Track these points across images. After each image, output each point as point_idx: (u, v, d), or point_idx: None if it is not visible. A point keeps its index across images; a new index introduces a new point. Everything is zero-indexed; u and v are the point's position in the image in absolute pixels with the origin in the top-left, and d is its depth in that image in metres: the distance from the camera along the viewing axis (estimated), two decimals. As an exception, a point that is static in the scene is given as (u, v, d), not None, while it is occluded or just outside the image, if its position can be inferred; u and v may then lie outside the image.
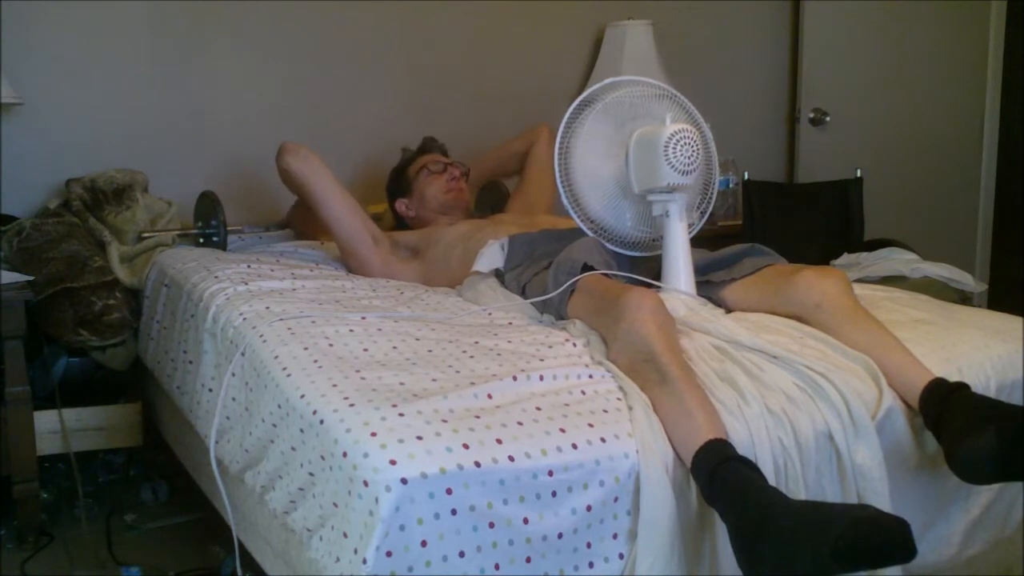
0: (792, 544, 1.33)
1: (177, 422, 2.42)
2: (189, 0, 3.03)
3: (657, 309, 1.70)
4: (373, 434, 1.40)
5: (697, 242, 2.15)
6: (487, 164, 3.11)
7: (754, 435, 1.58)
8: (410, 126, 3.36)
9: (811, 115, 4.04)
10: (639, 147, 2.07)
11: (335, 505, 1.43)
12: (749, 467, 1.47)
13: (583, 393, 1.60)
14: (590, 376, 1.66)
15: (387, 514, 1.32)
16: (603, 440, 1.48)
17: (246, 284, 2.19)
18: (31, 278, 2.42)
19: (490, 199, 3.22)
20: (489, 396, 1.55)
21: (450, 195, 2.77)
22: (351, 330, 1.85)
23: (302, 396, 1.58)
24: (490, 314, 2.04)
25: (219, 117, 3.13)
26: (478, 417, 1.47)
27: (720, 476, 1.44)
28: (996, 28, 4.34)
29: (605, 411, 1.56)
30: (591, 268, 1.96)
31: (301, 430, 1.56)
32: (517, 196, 2.97)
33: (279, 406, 1.65)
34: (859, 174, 3.66)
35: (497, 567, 1.39)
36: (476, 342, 1.81)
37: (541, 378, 1.62)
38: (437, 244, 2.53)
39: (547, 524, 1.41)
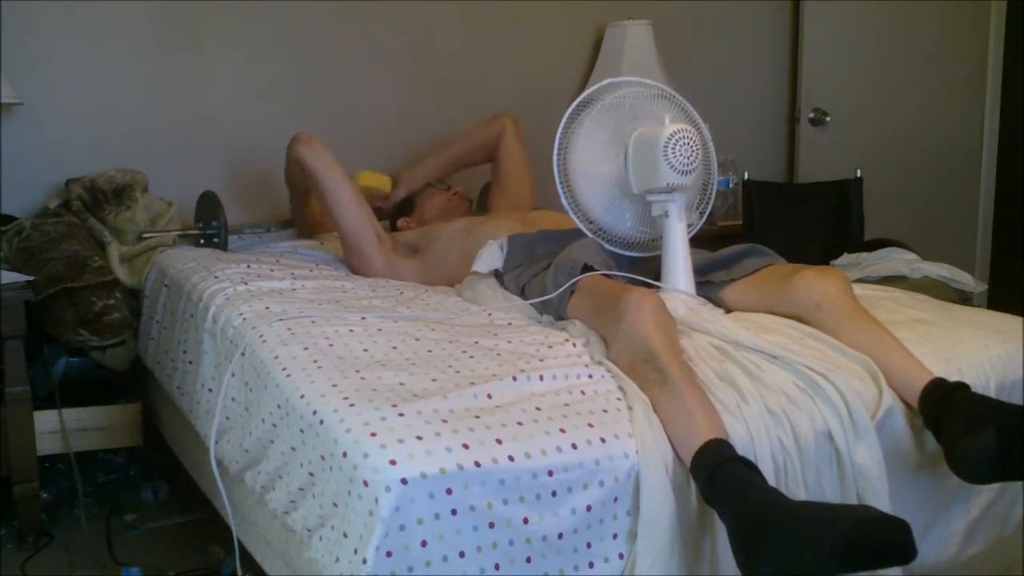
0: (792, 544, 1.33)
1: (177, 422, 2.42)
2: (189, 0, 3.03)
3: (657, 309, 1.70)
4: (373, 434, 1.40)
5: (697, 242, 2.15)
6: (454, 154, 3.04)
7: (754, 435, 1.58)
8: (410, 126, 3.36)
9: (811, 115, 4.04)
10: (638, 147, 2.07)
11: (335, 505, 1.43)
12: (749, 467, 1.47)
13: (583, 393, 1.60)
14: (590, 376, 1.66)
15: (387, 514, 1.32)
16: (603, 440, 1.48)
17: (246, 284, 2.19)
18: (31, 278, 2.42)
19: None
20: (489, 396, 1.55)
21: (450, 204, 2.82)
22: (351, 330, 1.85)
23: (302, 396, 1.58)
24: (490, 314, 2.04)
25: (219, 117, 3.13)
26: (478, 417, 1.47)
27: (720, 476, 1.44)
28: (996, 28, 4.34)
29: (605, 411, 1.56)
30: (590, 268, 1.96)
31: (301, 430, 1.56)
32: (498, 195, 2.96)
33: (279, 406, 1.65)
34: (859, 174, 3.66)
35: (497, 567, 1.39)
36: (476, 342, 1.81)
37: (541, 378, 1.62)
38: (436, 241, 2.53)
39: (547, 524, 1.41)
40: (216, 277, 2.27)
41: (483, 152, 3.02)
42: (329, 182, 2.52)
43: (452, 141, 3.07)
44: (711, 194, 2.27)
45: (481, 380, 1.60)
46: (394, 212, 2.91)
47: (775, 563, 1.34)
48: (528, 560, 1.41)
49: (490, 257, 2.26)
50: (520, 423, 1.47)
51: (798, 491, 1.59)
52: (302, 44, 3.24)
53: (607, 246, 2.16)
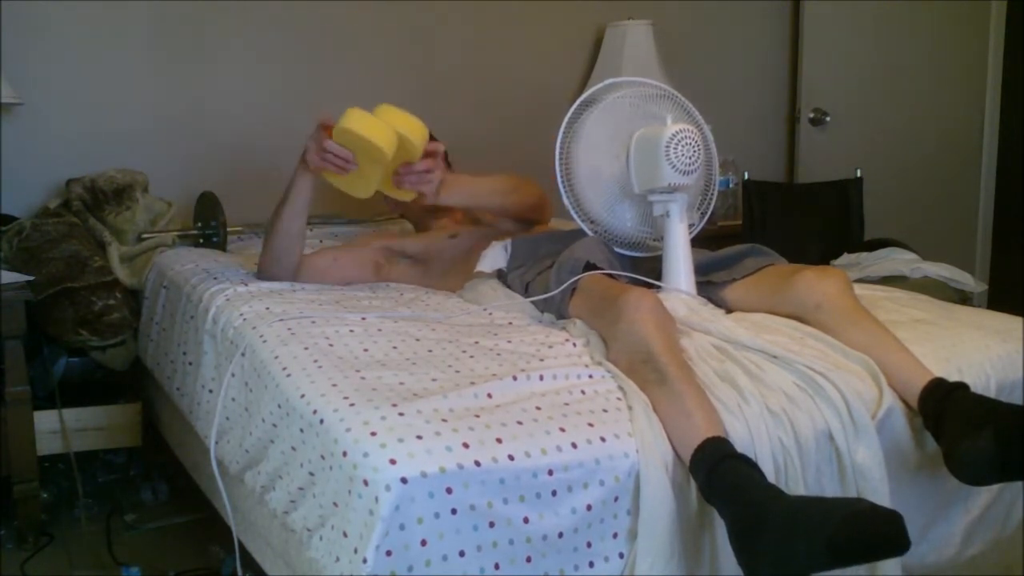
0: (788, 539, 1.33)
1: (177, 422, 2.42)
2: (189, 0, 3.03)
3: (656, 309, 1.70)
4: (373, 433, 1.40)
5: (697, 242, 2.14)
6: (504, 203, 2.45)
7: (754, 435, 1.58)
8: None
9: (811, 115, 4.04)
10: (640, 147, 2.07)
11: (335, 505, 1.43)
12: (747, 464, 1.47)
13: (583, 393, 1.60)
14: (590, 376, 1.66)
15: (387, 513, 1.32)
16: (603, 440, 1.48)
17: (246, 285, 2.19)
18: (31, 278, 2.42)
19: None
20: (489, 396, 1.55)
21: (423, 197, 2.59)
22: (351, 330, 1.85)
23: (302, 396, 1.58)
24: (490, 314, 2.04)
25: (219, 117, 3.13)
26: (478, 416, 1.47)
27: (718, 474, 1.44)
28: (996, 28, 4.34)
29: (605, 411, 1.56)
30: (593, 267, 1.96)
31: (301, 430, 1.56)
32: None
33: (279, 406, 1.65)
34: (859, 174, 3.66)
35: (497, 566, 1.39)
36: (476, 342, 1.81)
37: (541, 378, 1.62)
38: (439, 257, 2.47)
39: (547, 523, 1.41)
40: (216, 278, 2.27)
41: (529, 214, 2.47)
42: (345, 278, 2.34)
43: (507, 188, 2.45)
44: (713, 194, 2.27)
45: (481, 380, 1.60)
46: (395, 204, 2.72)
47: (773, 558, 1.34)
48: (528, 559, 1.41)
49: (494, 257, 2.25)
50: (520, 422, 1.47)
51: (798, 491, 1.59)
52: (302, 45, 3.24)
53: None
